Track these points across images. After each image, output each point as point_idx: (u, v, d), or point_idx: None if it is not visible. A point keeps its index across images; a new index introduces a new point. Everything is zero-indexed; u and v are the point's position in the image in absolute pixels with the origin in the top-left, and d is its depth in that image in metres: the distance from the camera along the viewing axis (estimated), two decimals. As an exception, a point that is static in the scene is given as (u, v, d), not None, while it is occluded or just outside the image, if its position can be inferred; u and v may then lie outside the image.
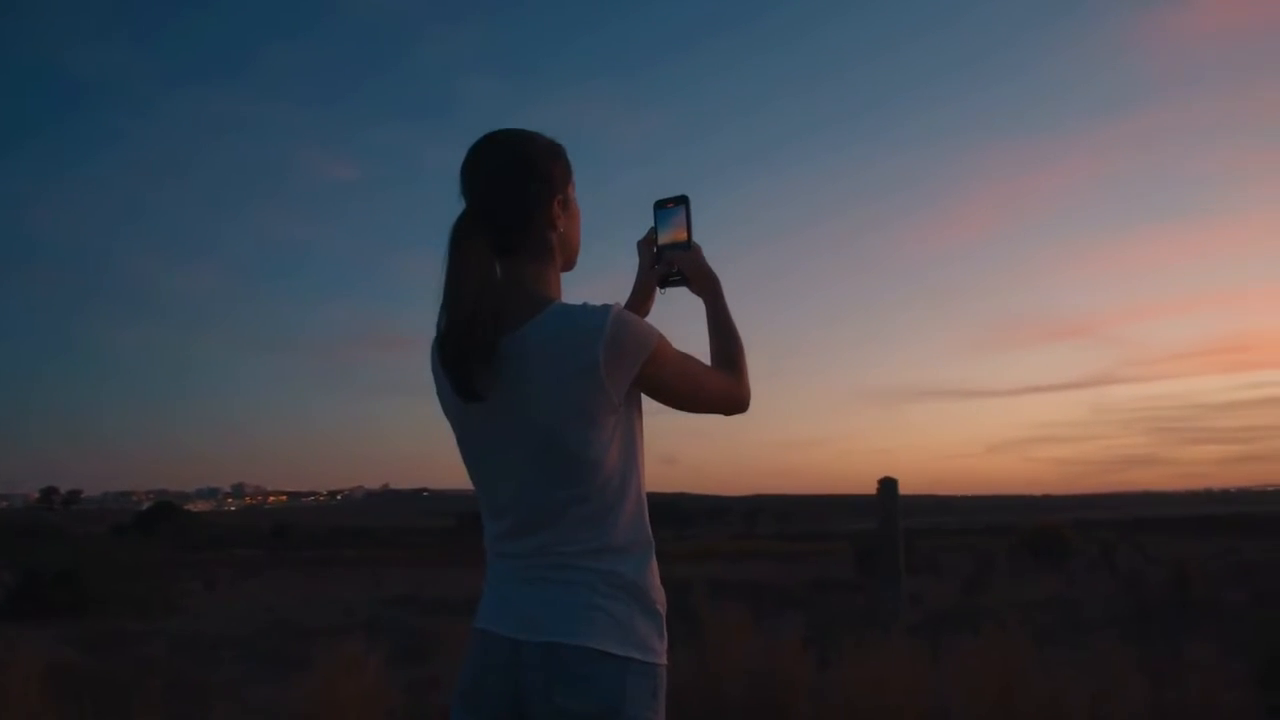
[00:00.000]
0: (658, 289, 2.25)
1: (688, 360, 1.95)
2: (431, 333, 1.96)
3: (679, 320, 2.17)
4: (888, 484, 13.76)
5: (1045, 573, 20.68)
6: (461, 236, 1.90)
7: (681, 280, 2.21)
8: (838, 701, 5.89)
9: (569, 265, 2.05)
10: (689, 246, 2.20)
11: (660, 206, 2.24)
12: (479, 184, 1.94)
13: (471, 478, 1.99)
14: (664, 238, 2.23)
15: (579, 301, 1.88)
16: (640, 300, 2.26)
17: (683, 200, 2.22)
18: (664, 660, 1.87)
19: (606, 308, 1.82)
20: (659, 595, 1.90)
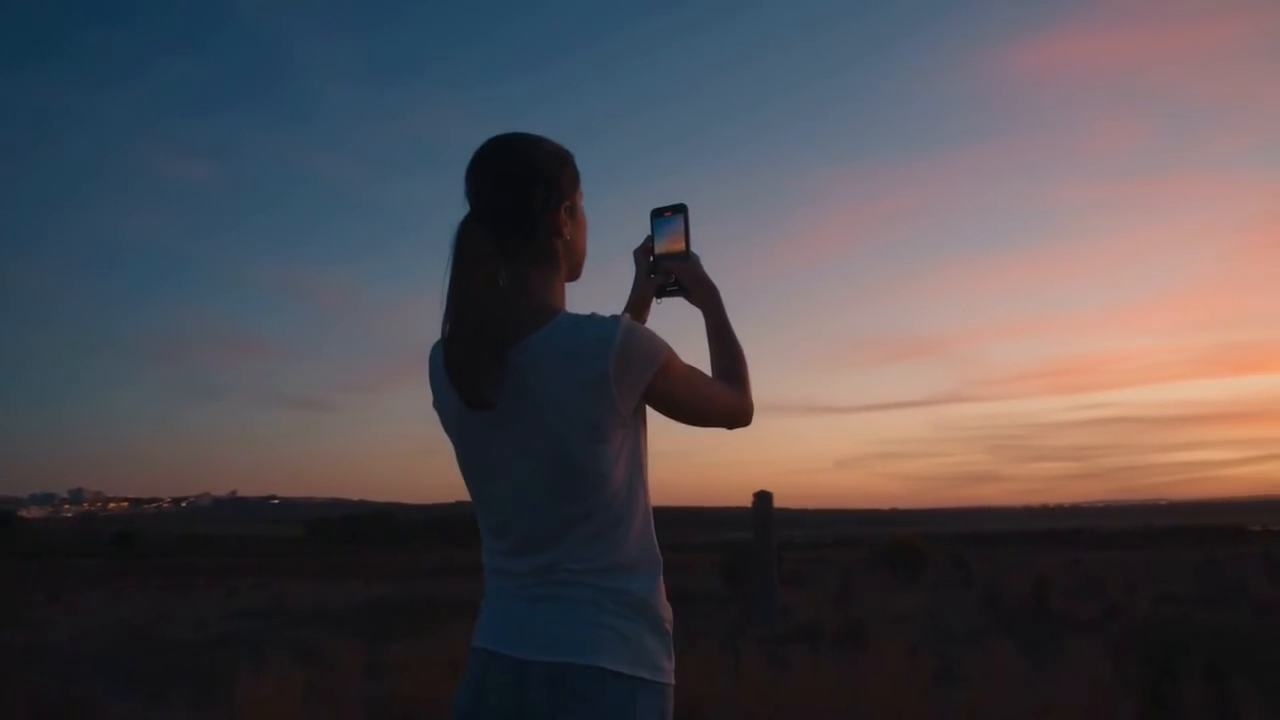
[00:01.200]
0: (655, 299, 2.20)
1: (695, 373, 1.91)
2: (425, 338, 1.89)
3: (676, 331, 2.15)
4: (763, 497, 13.97)
5: (904, 585, 21.20)
6: (466, 241, 1.83)
7: (679, 290, 2.16)
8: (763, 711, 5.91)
9: (574, 274, 1.99)
10: (687, 257, 2.15)
11: (657, 215, 2.18)
12: (484, 188, 1.88)
13: (471, 492, 1.91)
14: (661, 247, 2.17)
15: (585, 311, 1.82)
16: (637, 310, 2.20)
17: (681, 209, 2.16)
18: (672, 680, 1.82)
19: (616, 319, 1.77)
20: (667, 614, 1.84)
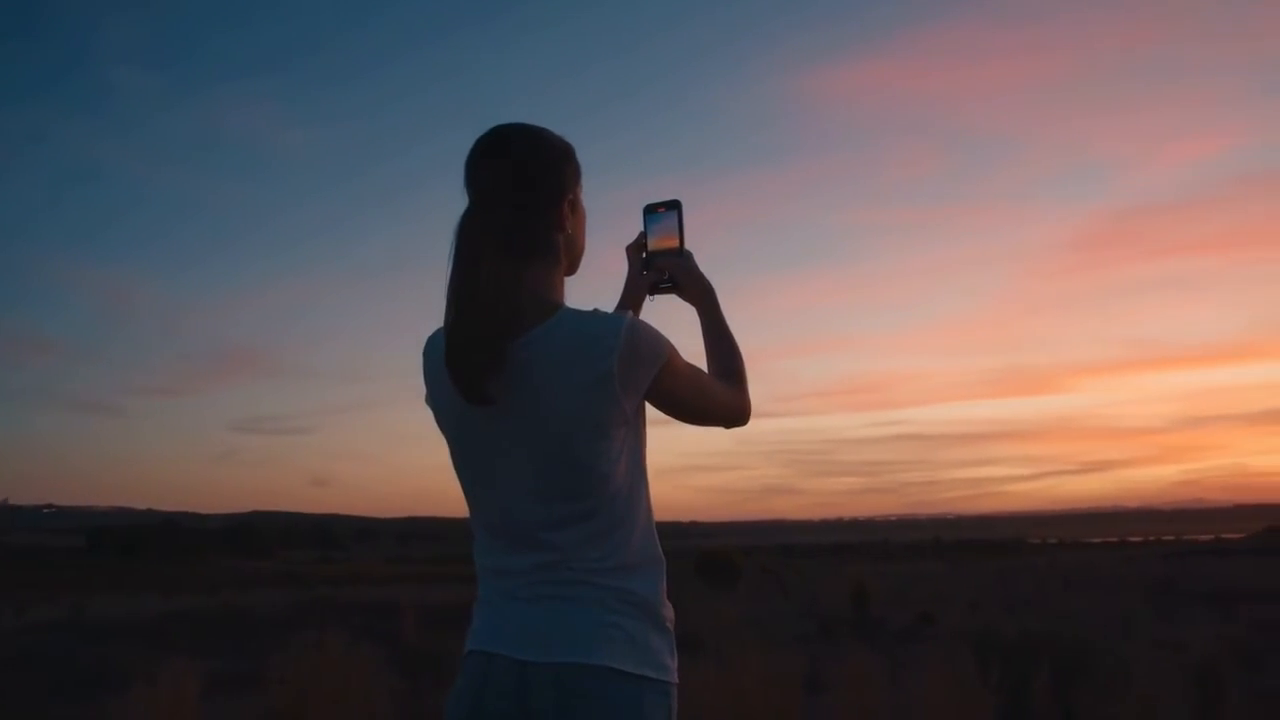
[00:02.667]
0: (648, 296, 2.17)
1: (697, 372, 1.91)
2: (420, 333, 1.86)
3: (666, 328, 2.17)
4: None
5: (720, 596, 21.55)
6: (469, 233, 1.80)
7: (673, 288, 2.13)
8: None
9: (572, 269, 1.96)
10: (681, 253, 2.12)
11: (650, 211, 2.15)
12: (487, 180, 1.85)
13: (466, 489, 1.87)
14: (653, 243, 2.15)
15: (588, 308, 1.81)
16: (629, 307, 2.17)
17: (675, 206, 2.13)
18: (676, 679, 1.81)
19: (621, 316, 1.76)
20: (669, 613, 1.83)
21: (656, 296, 2.15)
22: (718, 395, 1.94)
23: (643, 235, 2.17)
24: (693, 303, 2.13)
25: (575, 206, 1.93)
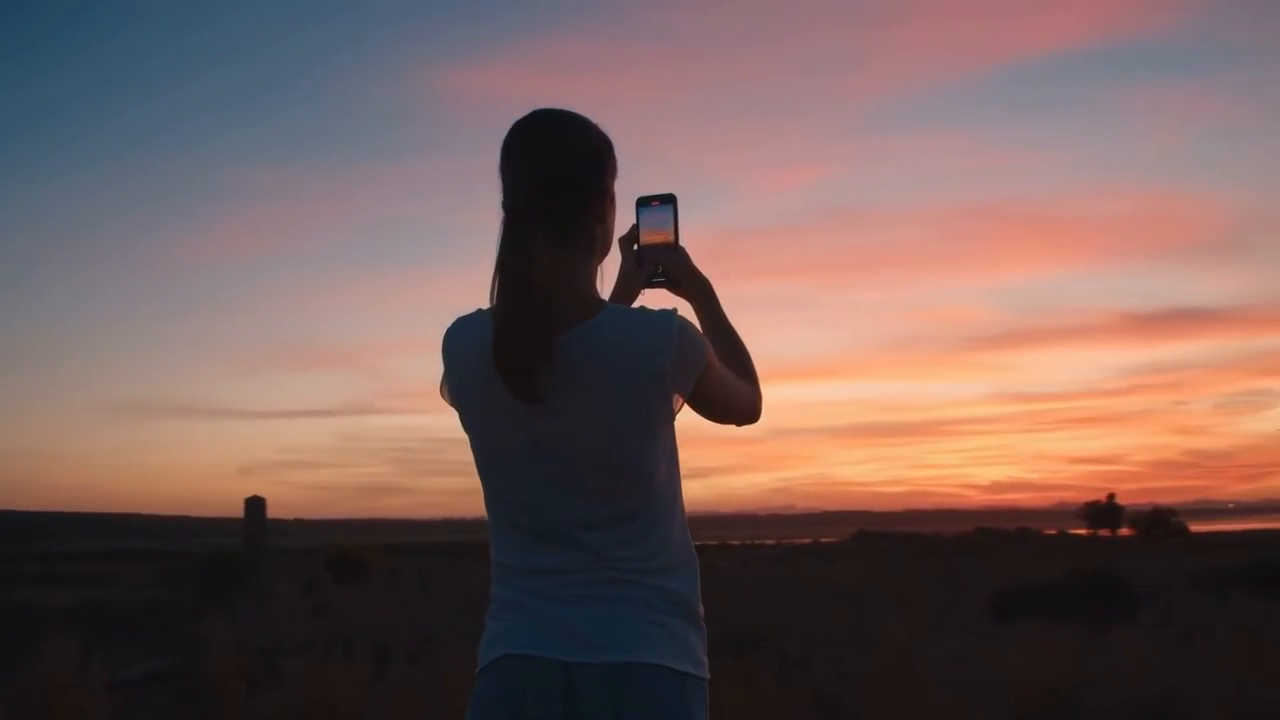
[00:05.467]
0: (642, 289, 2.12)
1: (727, 372, 1.90)
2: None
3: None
4: (254, 503, 13.43)
5: (360, 595, 21.10)
6: (521, 221, 1.74)
7: (666, 282, 2.09)
8: None
9: (602, 260, 1.92)
10: (675, 249, 2.07)
11: (644, 204, 2.08)
12: (539, 165, 1.78)
13: (495, 485, 1.81)
14: (646, 236, 2.09)
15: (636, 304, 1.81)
16: (625, 299, 2.12)
17: (670, 200, 2.07)
18: (709, 675, 1.82)
19: (670, 315, 1.75)
20: (702, 610, 1.83)
21: (648, 290, 2.12)
22: (743, 394, 1.96)
23: (634, 228, 2.11)
24: (688, 298, 2.10)
25: (613, 199, 1.90)
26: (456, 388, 1.81)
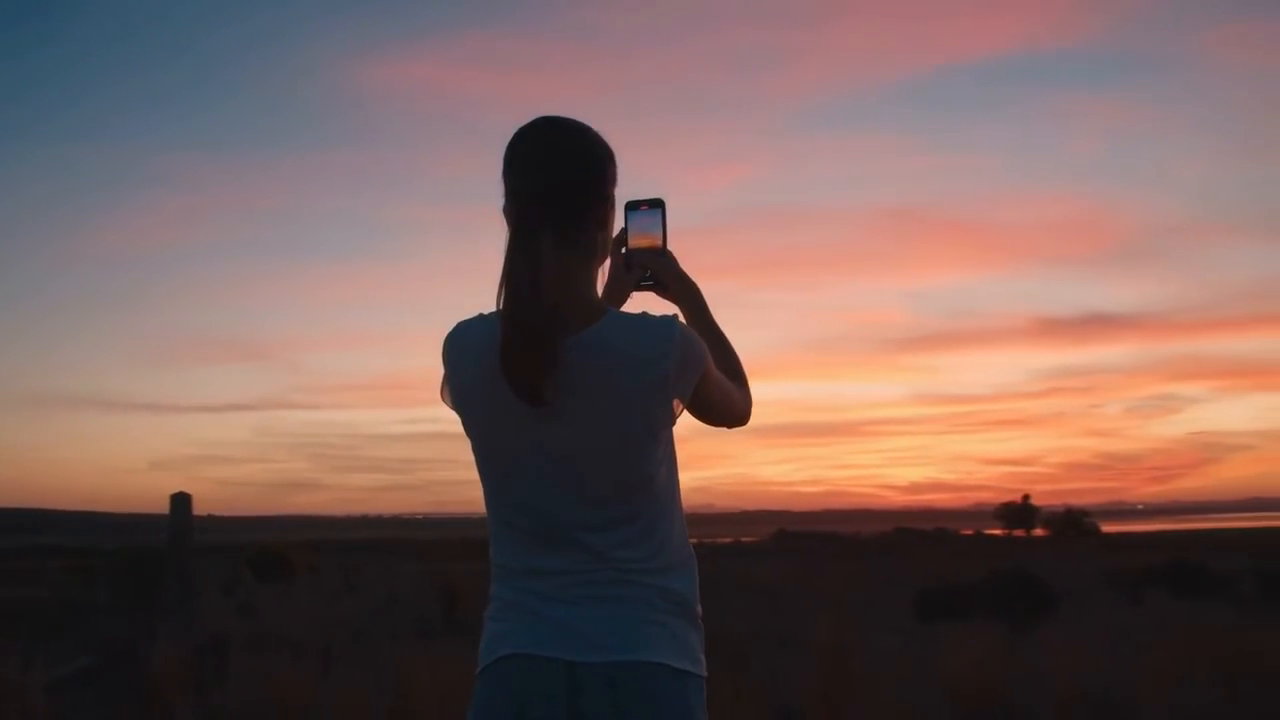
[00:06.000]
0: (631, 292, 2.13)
1: (722, 376, 1.93)
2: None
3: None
4: (180, 499, 13.22)
5: (286, 593, 20.85)
6: (530, 226, 1.76)
7: (654, 285, 2.12)
8: None
9: (599, 266, 1.94)
10: (664, 253, 2.10)
11: (632, 208, 2.09)
12: (547, 174, 1.81)
13: (498, 488, 1.82)
14: (634, 240, 2.10)
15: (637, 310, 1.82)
16: (614, 302, 2.11)
17: (659, 204, 2.10)
18: (707, 673, 1.84)
19: (672, 321, 1.78)
20: (700, 610, 1.86)
21: (636, 293, 2.13)
22: (735, 397, 1.99)
23: (623, 231, 2.12)
24: (676, 301, 2.11)
25: (614, 206, 1.93)
26: (460, 391, 1.82)
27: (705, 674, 1.83)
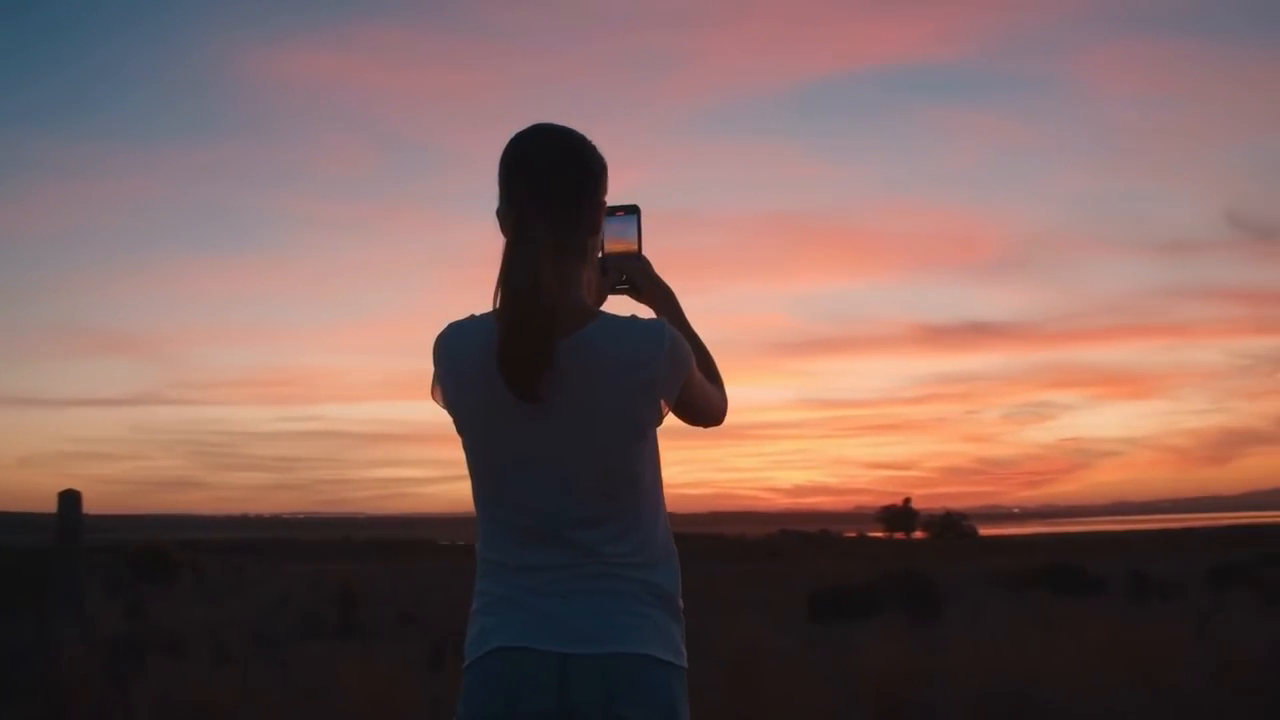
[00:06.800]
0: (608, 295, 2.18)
1: (704, 377, 2.01)
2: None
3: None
4: (69, 498, 12.80)
5: (172, 594, 20.39)
6: (531, 232, 1.82)
7: (629, 289, 2.18)
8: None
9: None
10: (639, 257, 2.17)
11: (609, 213, 2.11)
12: (549, 181, 1.89)
13: (489, 485, 1.89)
14: (610, 245, 2.16)
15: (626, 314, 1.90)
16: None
17: (634, 210, 2.17)
18: (687, 664, 1.91)
19: (661, 324, 1.86)
20: (682, 604, 1.93)
21: (612, 296, 2.18)
22: (714, 398, 2.06)
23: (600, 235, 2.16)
24: (651, 305, 2.17)
25: (604, 214, 2.01)
26: (454, 390, 1.88)
27: (686, 665, 1.90)
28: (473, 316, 1.90)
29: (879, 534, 79.11)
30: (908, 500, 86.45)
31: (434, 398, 1.93)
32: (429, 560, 46.82)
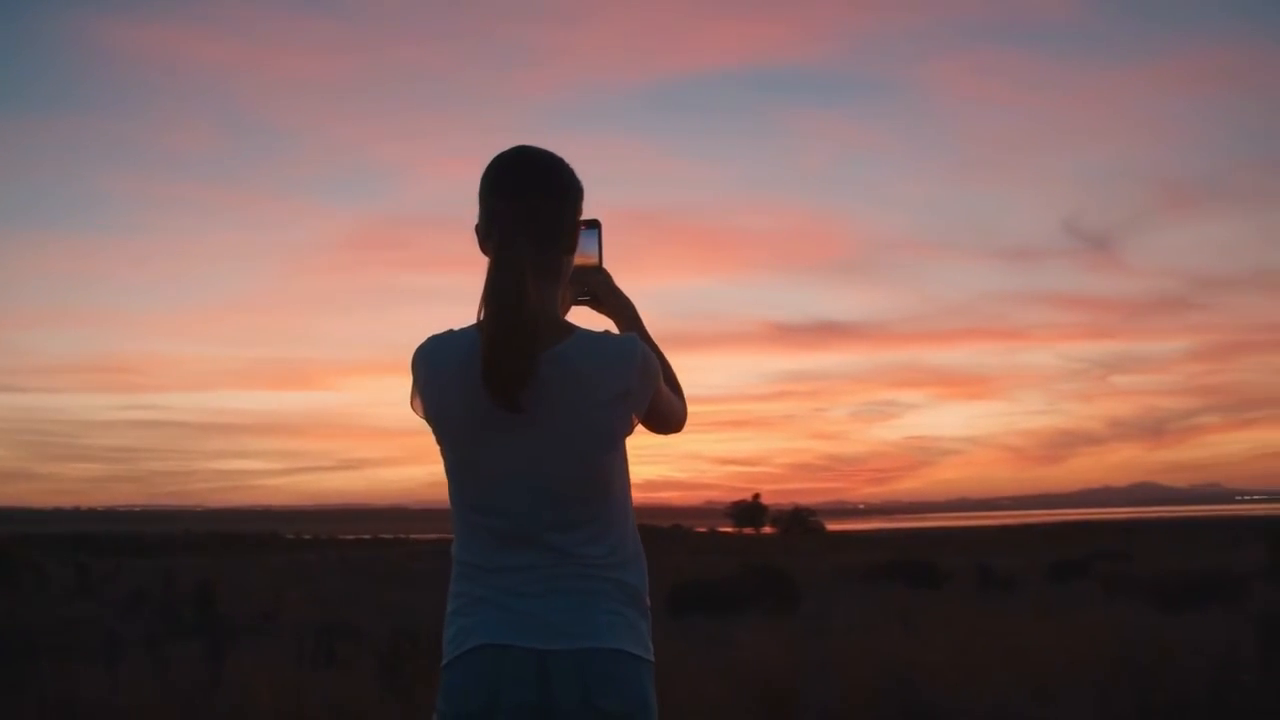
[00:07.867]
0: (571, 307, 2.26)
1: (669, 388, 2.14)
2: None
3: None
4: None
5: (9, 591, 19.61)
6: (515, 250, 1.93)
7: (590, 301, 2.28)
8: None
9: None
10: (600, 270, 2.25)
11: None
12: (531, 198, 1.99)
13: (469, 493, 1.98)
14: (574, 259, 2.20)
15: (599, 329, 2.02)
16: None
17: (595, 225, 2.23)
18: (654, 659, 2.04)
19: (634, 340, 1.99)
20: (649, 602, 2.06)
21: (575, 307, 2.27)
22: (677, 407, 2.20)
23: None
24: (611, 316, 2.29)
25: (579, 234, 2.11)
26: (435, 402, 1.97)
27: (654, 659, 2.03)
28: (452, 331, 2.00)
29: (729, 529, 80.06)
30: (757, 496, 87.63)
31: (413, 408, 2.02)
32: (280, 555, 45.86)
